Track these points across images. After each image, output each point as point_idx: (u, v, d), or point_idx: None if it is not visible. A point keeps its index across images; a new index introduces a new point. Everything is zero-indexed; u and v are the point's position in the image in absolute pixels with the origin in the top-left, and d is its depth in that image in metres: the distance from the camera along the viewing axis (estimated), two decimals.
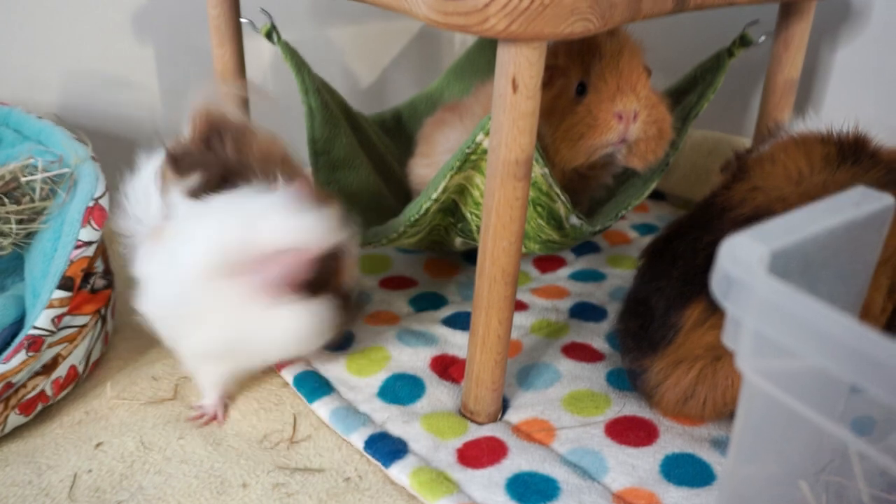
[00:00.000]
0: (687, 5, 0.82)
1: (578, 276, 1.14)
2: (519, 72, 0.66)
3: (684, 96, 1.12)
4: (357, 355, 0.93)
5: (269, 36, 1.03)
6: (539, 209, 0.89)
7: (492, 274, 0.75)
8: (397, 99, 1.43)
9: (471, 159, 0.83)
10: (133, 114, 1.32)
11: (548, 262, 1.18)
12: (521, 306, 1.04)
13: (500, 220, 0.73)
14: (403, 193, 1.16)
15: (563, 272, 1.15)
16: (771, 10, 1.06)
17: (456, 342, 0.95)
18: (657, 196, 1.45)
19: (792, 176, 0.76)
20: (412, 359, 0.92)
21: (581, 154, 0.90)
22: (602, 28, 0.67)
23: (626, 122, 0.88)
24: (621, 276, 1.14)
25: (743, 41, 1.04)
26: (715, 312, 0.72)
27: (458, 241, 1.01)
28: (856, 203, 0.46)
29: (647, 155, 0.93)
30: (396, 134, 1.33)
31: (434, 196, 0.86)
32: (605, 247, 1.24)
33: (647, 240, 1.26)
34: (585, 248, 1.23)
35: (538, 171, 0.84)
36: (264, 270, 0.71)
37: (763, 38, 1.04)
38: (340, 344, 0.95)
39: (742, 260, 0.41)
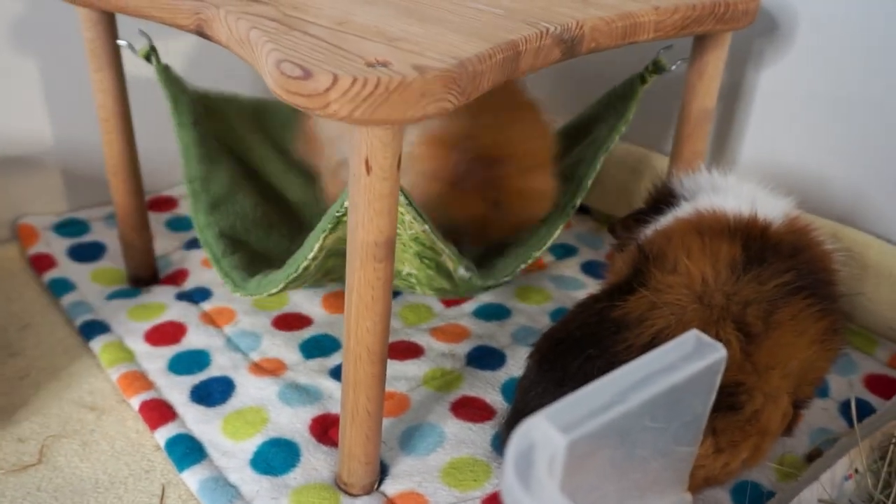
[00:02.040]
0: (578, 51, 0.78)
1: (483, 313, 1.11)
2: (372, 153, 0.62)
3: (595, 125, 1.08)
4: (234, 415, 0.90)
5: (147, 58, 0.97)
6: (426, 261, 0.87)
7: (357, 353, 0.72)
8: None
9: (343, 221, 0.79)
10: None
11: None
12: (416, 352, 1.02)
13: (361, 301, 0.69)
14: (310, 214, 1.11)
15: (468, 307, 1.13)
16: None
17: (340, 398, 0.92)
18: (582, 210, 1.42)
19: (696, 288, 0.71)
20: (291, 420, 0.89)
21: None
22: (461, 103, 0.64)
23: None
24: (527, 314, 1.11)
25: (656, 67, 1.01)
26: None
27: None
28: (686, 356, 0.44)
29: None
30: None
31: (311, 255, 0.82)
32: (517, 277, 1.21)
33: (564, 265, 1.24)
34: None
35: (419, 228, 0.81)
36: None
37: (678, 63, 1.01)
38: (220, 397, 0.92)
39: (537, 455, 0.38)
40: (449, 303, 1.14)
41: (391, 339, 1.03)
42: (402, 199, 0.77)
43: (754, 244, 0.74)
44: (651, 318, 0.69)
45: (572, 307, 0.80)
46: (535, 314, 1.12)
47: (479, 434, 0.89)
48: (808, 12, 1.07)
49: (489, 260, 1.02)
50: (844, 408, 0.96)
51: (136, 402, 0.91)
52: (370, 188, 0.63)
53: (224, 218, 1.02)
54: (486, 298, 1.15)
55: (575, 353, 0.71)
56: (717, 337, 0.66)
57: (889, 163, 1.03)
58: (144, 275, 1.16)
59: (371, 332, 0.71)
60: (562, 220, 0.97)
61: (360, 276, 0.68)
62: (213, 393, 0.93)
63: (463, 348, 1.03)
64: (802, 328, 0.71)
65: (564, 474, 0.38)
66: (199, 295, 1.12)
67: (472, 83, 0.63)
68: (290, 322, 1.07)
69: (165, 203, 1.37)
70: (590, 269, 1.23)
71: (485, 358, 1.02)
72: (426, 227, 0.80)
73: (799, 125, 1.12)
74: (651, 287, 0.71)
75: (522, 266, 0.94)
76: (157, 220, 1.33)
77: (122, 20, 0.97)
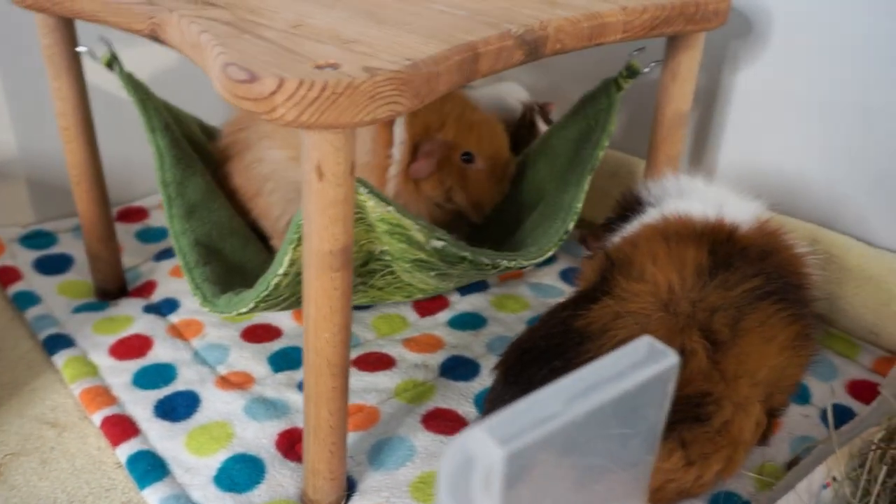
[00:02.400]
0: (542, 52, 0.76)
1: (458, 322, 1.09)
2: (323, 159, 0.60)
3: (583, 145, 1.05)
4: (199, 430, 0.87)
5: (109, 66, 0.95)
6: (396, 236, 0.84)
7: (317, 366, 0.70)
8: None
9: None
10: None
11: (428, 304, 1.13)
12: (387, 363, 0.99)
13: (319, 312, 0.67)
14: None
15: (443, 316, 1.11)
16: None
17: None
18: None
19: (661, 296, 0.69)
20: (257, 435, 0.87)
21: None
22: (421, 104, 0.62)
23: None
24: (503, 323, 1.09)
25: (630, 71, 0.99)
26: None
27: None
28: (638, 363, 0.42)
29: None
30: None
31: (282, 271, 0.79)
32: (493, 283, 1.19)
33: (542, 273, 1.22)
34: (472, 285, 1.18)
35: (382, 210, 0.79)
36: None
37: (652, 65, 0.99)
38: (185, 412, 0.90)
39: (474, 470, 0.36)
40: (424, 312, 1.12)
41: (363, 351, 1.02)
42: (360, 187, 0.75)
43: (721, 249, 0.72)
44: (614, 328, 0.67)
45: (542, 316, 0.78)
46: (511, 323, 1.10)
47: None
48: (781, 12, 1.05)
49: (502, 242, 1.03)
50: (825, 415, 0.94)
51: (98, 417, 0.89)
52: (323, 195, 0.61)
53: (200, 225, 0.99)
54: (461, 307, 1.13)
55: (539, 364, 0.69)
56: (683, 346, 0.65)
57: (868, 164, 1.02)
58: (112, 287, 1.14)
59: (330, 344, 0.69)
60: (555, 246, 0.95)
61: (317, 286, 0.66)
62: (178, 407, 0.91)
63: (436, 359, 1.01)
64: (771, 334, 0.69)
65: (504, 489, 0.36)
66: (166, 307, 1.10)
67: (427, 85, 0.61)
68: (258, 334, 1.05)
69: (136, 214, 1.35)
70: (569, 276, 1.22)
71: (458, 369, 1.00)
72: (390, 208, 0.79)
73: (777, 127, 1.10)
74: (616, 295, 0.70)
75: (504, 265, 0.91)
76: (127, 231, 1.31)
77: (88, 28, 0.95)
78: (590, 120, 1.03)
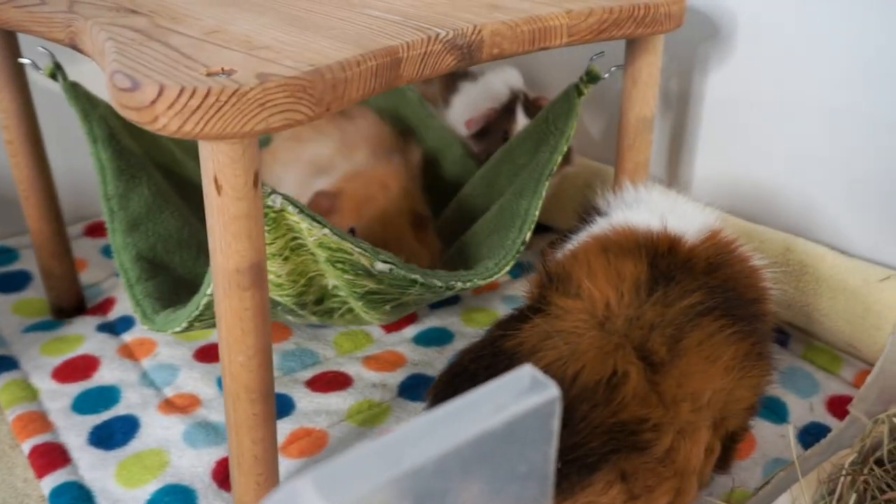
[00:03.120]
0: (477, 57, 0.72)
1: (423, 338, 1.05)
2: (221, 171, 0.56)
3: (541, 149, 1.00)
4: (132, 459, 0.84)
5: (53, 76, 0.93)
6: (339, 265, 0.80)
7: (234, 392, 0.66)
8: None
9: None
10: None
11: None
12: (342, 383, 0.95)
13: (230, 334, 0.63)
14: None
15: (410, 331, 1.06)
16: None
17: None
18: (543, 229, 1.35)
19: (597, 313, 0.64)
20: (193, 463, 0.83)
21: None
22: (324, 113, 0.58)
23: None
24: (471, 337, 1.04)
25: (590, 76, 0.95)
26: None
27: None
28: (513, 398, 0.37)
29: None
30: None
31: (209, 291, 0.76)
32: (466, 296, 1.15)
33: (518, 285, 1.17)
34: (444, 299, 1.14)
35: (318, 233, 0.75)
36: None
37: (613, 70, 0.95)
38: (121, 439, 0.86)
39: None
40: (390, 327, 1.07)
41: (319, 370, 0.98)
42: (291, 208, 0.71)
43: (662, 262, 0.67)
44: (543, 348, 0.62)
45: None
46: (478, 338, 1.05)
47: None
48: (745, 13, 1.01)
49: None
50: (804, 435, 0.88)
51: (27, 446, 0.85)
52: (224, 210, 0.58)
53: (144, 239, 0.97)
54: (430, 322, 1.09)
55: (468, 388, 0.64)
56: (615, 367, 0.60)
57: (841, 169, 0.97)
58: (67, 305, 1.11)
59: (246, 369, 0.65)
60: (512, 259, 0.90)
61: (226, 306, 0.62)
62: (115, 434, 0.87)
63: (396, 378, 0.97)
64: (715, 354, 0.64)
65: None
66: (122, 325, 1.07)
67: (333, 92, 0.57)
68: (212, 354, 1.01)
69: (102, 229, 1.32)
70: None
71: (418, 388, 0.95)
72: (325, 230, 0.75)
73: (748, 132, 1.05)
74: (549, 313, 0.65)
75: (459, 287, 0.87)
76: (93, 246, 1.28)
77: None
78: (549, 125, 0.99)
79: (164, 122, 0.52)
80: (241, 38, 0.65)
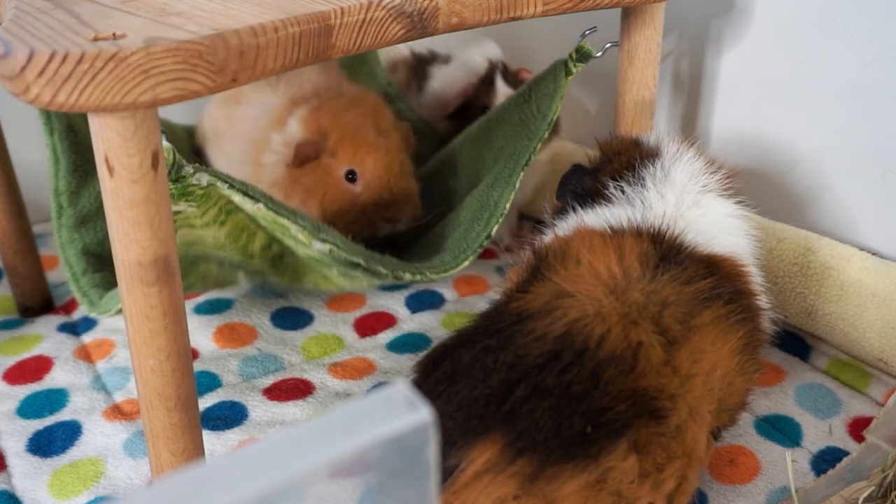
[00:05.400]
0: (432, 27, 0.67)
1: (399, 344, 0.99)
2: (112, 150, 0.52)
3: (521, 133, 0.94)
4: (67, 468, 0.80)
5: None
6: (279, 232, 0.79)
7: (147, 399, 0.62)
8: None
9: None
10: None
11: (373, 321, 1.04)
12: (303, 391, 0.90)
13: (138, 335, 0.59)
14: None
15: (385, 336, 1.01)
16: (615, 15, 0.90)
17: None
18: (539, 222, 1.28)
19: (604, 280, 0.63)
20: (129, 475, 0.79)
21: None
22: (233, 83, 0.53)
23: None
24: None
25: (580, 55, 0.88)
26: (520, 457, 0.56)
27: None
28: (375, 421, 0.32)
29: None
30: None
31: None
32: (451, 298, 1.09)
33: None
34: (426, 300, 1.08)
35: (250, 207, 0.73)
36: None
37: (607, 47, 0.88)
38: (61, 446, 0.83)
39: None
40: (365, 332, 1.02)
41: (280, 377, 0.93)
42: (220, 184, 0.69)
43: (666, 244, 0.67)
44: (561, 306, 0.60)
45: None
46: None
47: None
48: None
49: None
50: (819, 461, 0.80)
51: None
52: (118, 194, 0.53)
53: (91, 234, 0.96)
54: (409, 326, 1.03)
55: (468, 345, 0.61)
56: (639, 336, 0.59)
57: (872, 158, 0.88)
58: (33, 303, 1.08)
59: (157, 373, 0.60)
60: (472, 253, 0.85)
61: (131, 303, 0.57)
62: (55, 440, 0.84)
63: (361, 386, 0.92)
64: (725, 335, 0.64)
65: None
66: (84, 325, 1.04)
67: (240, 60, 0.52)
68: None
69: None
70: None
71: None
72: (259, 204, 0.72)
73: (765, 118, 0.97)
74: (555, 279, 0.63)
75: (408, 278, 0.83)
76: None
77: None
78: (531, 106, 0.92)
79: (36, 92, 0.48)
80: (158, 5, 0.60)
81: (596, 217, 0.75)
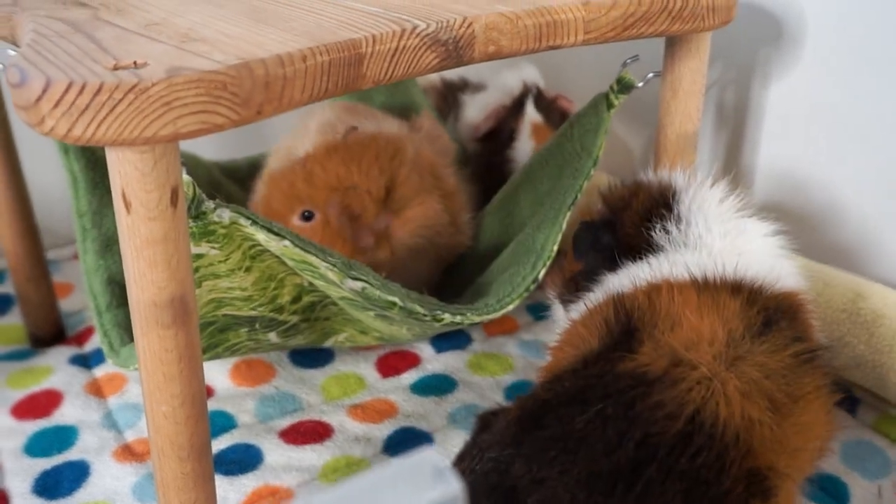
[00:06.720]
0: (468, 56, 0.65)
1: (422, 386, 0.96)
2: (129, 185, 0.50)
3: (566, 172, 0.92)
4: None
5: None
6: (309, 273, 0.75)
7: (159, 446, 0.59)
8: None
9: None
10: None
11: (396, 360, 1.01)
12: (321, 435, 0.88)
13: (152, 380, 0.56)
14: None
15: (409, 377, 0.98)
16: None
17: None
18: None
19: (716, 347, 0.60)
20: None
21: None
22: (258, 116, 0.51)
23: None
24: (476, 388, 0.96)
25: (621, 85, 0.86)
26: None
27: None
28: (416, 488, 0.29)
29: None
30: (248, 182, 1.18)
31: None
32: (478, 338, 1.06)
33: (540, 327, 1.08)
34: (452, 339, 1.06)
35: (276, 246, 0.70)
36: None
37: (650, 77, 0.86)
38: (68, 488, 0.80)
39: None
40: (387, 372, 0.99)
41: (298, 419, 0.90)
42: (243, 220, 0.67)
43: (759, 301, 0.65)
44: (686, 377, 0.58)
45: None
46: (485, 389, 0.96)
47: None
48: (814, 11, 0.90)
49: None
50: None
51: None
52: (134, 232, 0.51)
53: (117, 259, 0.92)
54: (433, 367, 1.00)
55: (575, 405, 0.58)
56: (757, 418, 0.58)
57: None
58: (44, 333, 1.07)
59: (171, 420, 0.58)
60: (517, 297, 0.83)
61: (145, 346, 0.55)
62: (63, 482, 0.82)
63: (382, 431, 0.89)
64: (827, 403, 0.64)
65: None
66: (96, 358, 1.02)
67: (266, 92, 0.50)
68: None
69: None
70: None
71: (408, 443, 0.87)
72: (286, 242, 0.69)
73: (816, 154, 0.94)
74: (655, 340, 0.61)
75: (448, 319, 0.80)
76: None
77: None
78: (575, 143, 0.90)
79: (52, 125, 0.46)
80: (181, 30, 0.58)
81: (651, 269, 0.71)
